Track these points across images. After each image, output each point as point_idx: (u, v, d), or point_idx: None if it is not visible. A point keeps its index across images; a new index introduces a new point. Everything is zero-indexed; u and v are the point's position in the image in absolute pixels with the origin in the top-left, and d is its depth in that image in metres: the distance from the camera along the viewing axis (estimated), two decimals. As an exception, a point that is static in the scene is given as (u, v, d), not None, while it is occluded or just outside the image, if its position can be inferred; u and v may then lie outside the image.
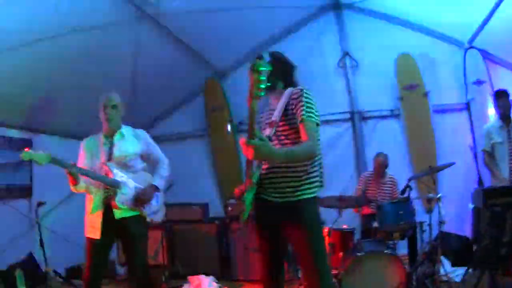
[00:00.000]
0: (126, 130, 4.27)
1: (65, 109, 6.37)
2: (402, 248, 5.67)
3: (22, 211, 6.15)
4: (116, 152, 4.10)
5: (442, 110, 7.03)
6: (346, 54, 7.53)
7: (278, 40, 7.74)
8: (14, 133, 6.33)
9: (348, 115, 7.52)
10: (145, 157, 4.31)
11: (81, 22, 5.38)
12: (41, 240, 5.59)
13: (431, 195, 5.15)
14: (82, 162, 4.12)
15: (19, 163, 6.12)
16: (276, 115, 3.01)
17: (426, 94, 6.97)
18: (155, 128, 8.81)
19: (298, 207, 2.94)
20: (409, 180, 5.31)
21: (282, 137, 3.00)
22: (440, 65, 7.17)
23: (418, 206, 5.66)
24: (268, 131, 3.01)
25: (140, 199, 4.04)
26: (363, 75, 7.46)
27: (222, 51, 7.60)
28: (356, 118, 7.45)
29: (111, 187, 3.95)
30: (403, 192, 5.24)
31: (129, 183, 4.06)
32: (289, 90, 3.04)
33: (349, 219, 5.92)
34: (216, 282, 6.05)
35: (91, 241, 3.97)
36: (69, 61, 5.62)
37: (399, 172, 6.36)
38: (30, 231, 6.07)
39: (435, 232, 5.09)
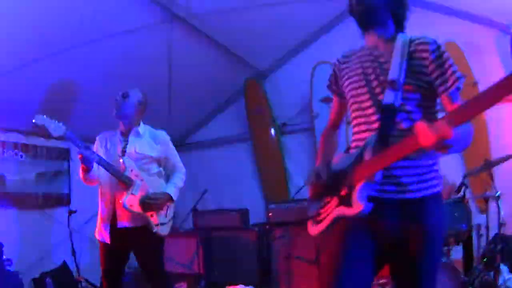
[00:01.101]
0: (144, 129, 4.05)
1: (101, 116, 6.27)
2: (457, 254, 5.24)
3: (60, 220, 6.13)
4: (130, 151, 3.87)
5: (494, 102, 6.61)
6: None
7: (318, 37, 7.48)
8: (52, 142, 6.34)
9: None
10: (162, 162, 4.06)
11: (114, 26, 5.37)
12: (73, 249, 5.51)
13: (488, 193, 4.77)
14: None
15: (58, 172, 6.20)
16: (395, 72, 2.14)
17: (475, 84, 6.58)
18: (195, 134, 8.94)
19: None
20: (464, 177, 4.94)
21: (409, 108, 2.15)
22: (487, 53, 6.70)
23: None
24: (390, 96, 2.12)
25: (149, 205, 3.75)
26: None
27: (261, 51, 7.40)
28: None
29: (122, 182, 3.70)
30: (458, 190, 4.88)
31: (141, 184, 3.79)
32: (406, 37, 2.30)
33: None
34: (256, 292, 5.82)
35: (102, 245, 3.81)
36: (103, 67, 5.56)
37: (450, 169, 5.99)
38: (68, 239, 6.04)
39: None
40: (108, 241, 3.76)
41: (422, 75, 2.16)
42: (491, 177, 4.79)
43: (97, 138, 4.09)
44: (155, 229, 3.79)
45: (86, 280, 5.86)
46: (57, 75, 5.56)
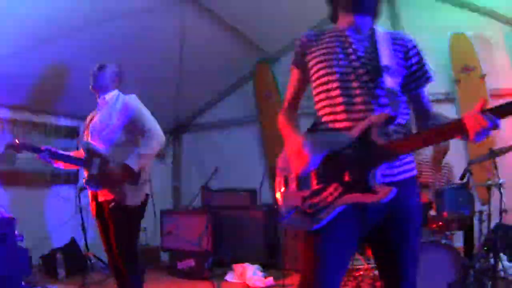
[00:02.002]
0: (112, 96, 3.78)
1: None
2: (457, 241, 5.32)
3: (69, 197, 6.20)
4: (95, 121, 3.70)
5: (500, 95, 6.61)
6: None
7: (329, 22, 7.40)
8: (61, 121, 6.38)
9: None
10: (131, 128, 3.67)
11: (126, 6, 5.38)
12: (83, 225, 5.60)
13: (490, 182, 4.82)
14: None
15: (66, 150, 6.22)
16: (386, 59, 2.15)
17: (483, 77, 6.59)
18: (204, 115, 8.98)
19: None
20: (469, 164, 4.98)
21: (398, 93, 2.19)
22: (496, 46, 6.72)
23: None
24: (390, 82, 2.12)
25: (104, 180, 3.50)
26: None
27: (272, 35, 7.39)
28: (411, 102, 7.08)
29: (83, 167, 3.63)
30: (462, 177, 4.91)
31: (98, 161, 3.57)
32: (386, 31, 2.31)
33: None
34: (262, 271, 5.95)
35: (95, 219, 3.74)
36: (115, 47, 5.58)
37: (455, 159, 6.04)
38: (75, 216, 6.07)
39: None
40: (94, 216, 3.72)
41: (402, 67, 2.21)
42: (495, 166, 4.81)
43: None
44: (120, 201, 3.51)
45: (95, 256, 5.94)
46: (69, 54, 5.57)
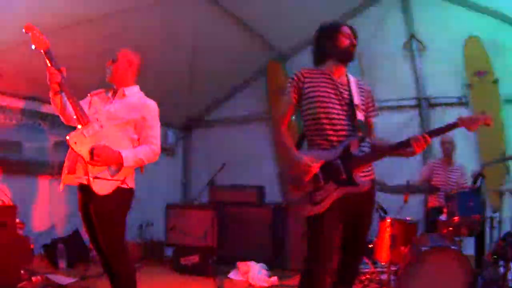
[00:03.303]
0: (133, 92, 3.70)
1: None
2: (466, 247, 5.20)
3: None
4: (107, 109, 3.55)
5: (513, 100, 6.52)
6: (412, 36, 7.10)
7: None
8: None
9: (415, 102, 7.13)
10: (138, 126, 3.58)
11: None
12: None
13: (504, 187, 4.71)
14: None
15: None
16: (358, 99, 3.19)
17: (496, 82, 6.47)
18: (215, 111, 8.96)
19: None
20: (482, 167, 4.88)
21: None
22: (509, 51, 6.58)
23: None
24: (360, 115, 3.16)
25: (93, 153, 3.28)
26: (430, 59, 7.04)
27: (285, 33, 7.37)
28: (424, 105, 7.04)
29: (78, 116, 3.36)
30: (474, 181, 4.82)
31: (98, 130, 3.39)
32: (354, 77, 3.29)
33: (412, 212, 5.47)
34: (266, 270, 5.85)
35: None
36: (127, 41, 5.54)
37: (466, 164, 5.93)
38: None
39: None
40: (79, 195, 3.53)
41: (365, 104, 3.26)
42: (507, 170, 4.71)
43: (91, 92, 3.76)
44: (86, 179, 3.31)
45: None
46: (80, 46, 5.55)
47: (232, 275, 5.91)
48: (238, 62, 7.66)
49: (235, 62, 7.59)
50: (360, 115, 3.14)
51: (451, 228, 4.65)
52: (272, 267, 6.10)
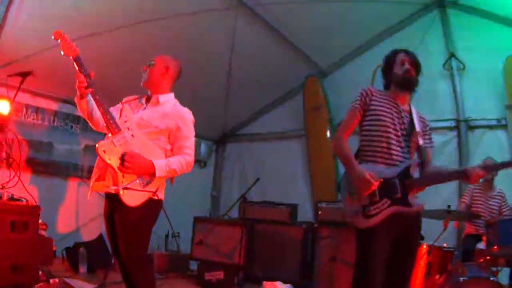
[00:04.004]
0: (167, 99, 3.58)
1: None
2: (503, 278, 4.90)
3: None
4: (140, 115, 3.44)
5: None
6: (452, 55, 6.84)
7: (381, 40, 7.29)
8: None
9: (453, 123, 6.84)
10: (171, 136, 3.47)
11: (178, 7, 5.37)
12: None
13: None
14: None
15: None
16: (419, 127, 3.27)
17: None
18: (251, 125, 8.88)
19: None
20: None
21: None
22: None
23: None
24: (421, 141, 3.27)
25: (123, 159, 3.17)
26: (469, 78, 6.78)
27: (324, 48, 7.27)
28: (462, 127, 6.75)
29: (108, 125, 3.25)
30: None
31: (129, 139, 3.28)
32: (415, 109, 3.37)
33: (444, 238, 5.09)
34: (294, 291, 5.65)
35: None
36: (161, 49, 5.51)
37: (505, 191, 5.68)
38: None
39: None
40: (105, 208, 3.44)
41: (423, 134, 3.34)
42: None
43: (124, 98, 3.65)
44: (115, 188, 3.20)
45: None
46: (116, 50, 5.53)
47: (257, 294, 5.73)
48: (276, 77, 7.57)
49: (273, 76, 7.50)
50: (421, 141, 3.25)
51: (488, 258, 4.42)
52: (300, 288, 5.91)
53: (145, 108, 3.52)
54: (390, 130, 3.18)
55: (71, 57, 3.18)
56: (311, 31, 6.56)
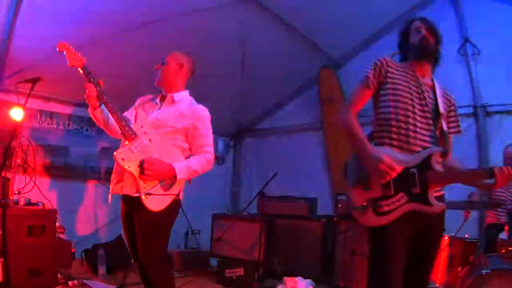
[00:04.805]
0: (182, 97, 3.53)
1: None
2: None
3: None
4: (154, 116, 3.38)
5: None
6: (466, 41, 6.69)
7: (394, 28, 6.95)
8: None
9: (471, 109, 6.69)
10: (189, 136, 3.43)
11: (188, 4, 5.36)
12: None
13: None
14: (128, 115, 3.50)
15: None
16: (443, 108, 2.79)
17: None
18: (267, 119, 8.84)
19: None
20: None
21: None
22: None
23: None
24: (445, 126, 2.78)
25: (142, 167, 3.13)
26: (486, 64, 6.61)
27: (337, 39, 7.15)
28: (480, 113, 6.63)
29: (123, 132, 3.22)
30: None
31: (146, 144, 3.24)
32: (440, 84, 2.88)
33: (466, 229, 4.98)
34: (314, 287, 5.63)
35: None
36: (173, 47, 5.51)
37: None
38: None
39: None
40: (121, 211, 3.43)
41: (447, 117, 2.85)
42: None
43: (138, 99, 3.66)
44: (137, 195, 3.17)
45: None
46: (128, 50, 5.52)
47: (278, 290, 5.69)
48: (290, 70, 7.51)
49: (287, 69, 7.44)
50: (445, 125, 2.74)
51: (510, 248, 4.27)
52: (320, 283, 5.87)
53: (160, 108, 3.48)
54: (409, 109, 2.67)
55: (78, 68, 3.16)
56: (323, 22, 6.47)
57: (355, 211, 2.64)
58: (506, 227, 4.50)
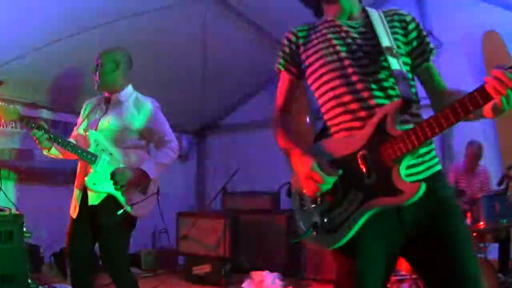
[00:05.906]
0: (127, 95, 3.44)
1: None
2: (490, 254, 4.93)
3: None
4: (104, 121, 3.33)
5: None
6: (429, 33, 6.84)
7: None
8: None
9: (432, 101, 6.80)
10: (144, 134, 3.42)
11: (147, 3, 5.26)
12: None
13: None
14: (77, 128, 3.51)
15: None
16: (385, 40, 1.90)
17: (516, 77, 6.16)
18: (230, 116, 8.88)
19: None
20: (509, 168, 4.62)
21: (407, 74, 1.91)
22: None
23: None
24: (395, 63, 1.86)
25: (114, 181, 3.15)
26: (447, 56, 6.75)
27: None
28: (442, 104, 6.72)
29: (83, 160, 3.24)
30: (500, 183, 4.58)
31: (109, 159, 3.25)
32: (377, 11, 2.06)
33: None
34: (281, 280, 5.65)
35: (71, 220, 3.38)
36: (133, 46, 5.48)
37: (487, 165, 5.77)
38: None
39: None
40: (75, 216, 3.36)
41: (404, 44, 1.97)
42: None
43: (84, 105, 3.58)
44: (125, 208, 3.19)
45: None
46: (87, 51, 5.46)
47: (246, 285, 5.71)
48: (251, 66, 7.46)
49: (248, 66, 7.40)
50: (395, 63, 1.84)
51: (475, 234, 4.43)
52: (287, 276, 5.90)
53: (106, 111, 3.41)
54: (339, 66, 1.91)
55: (17, 121, 3.20)
56: (283, 16, 6.42)
57: (306, 239, 1.94)
58: (469, 214, 4.61)
